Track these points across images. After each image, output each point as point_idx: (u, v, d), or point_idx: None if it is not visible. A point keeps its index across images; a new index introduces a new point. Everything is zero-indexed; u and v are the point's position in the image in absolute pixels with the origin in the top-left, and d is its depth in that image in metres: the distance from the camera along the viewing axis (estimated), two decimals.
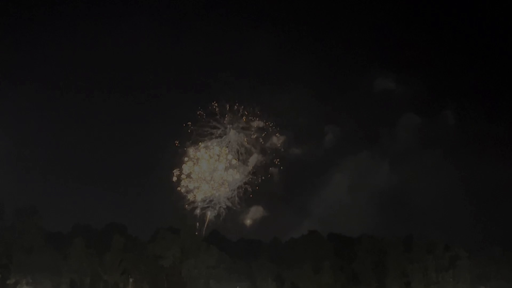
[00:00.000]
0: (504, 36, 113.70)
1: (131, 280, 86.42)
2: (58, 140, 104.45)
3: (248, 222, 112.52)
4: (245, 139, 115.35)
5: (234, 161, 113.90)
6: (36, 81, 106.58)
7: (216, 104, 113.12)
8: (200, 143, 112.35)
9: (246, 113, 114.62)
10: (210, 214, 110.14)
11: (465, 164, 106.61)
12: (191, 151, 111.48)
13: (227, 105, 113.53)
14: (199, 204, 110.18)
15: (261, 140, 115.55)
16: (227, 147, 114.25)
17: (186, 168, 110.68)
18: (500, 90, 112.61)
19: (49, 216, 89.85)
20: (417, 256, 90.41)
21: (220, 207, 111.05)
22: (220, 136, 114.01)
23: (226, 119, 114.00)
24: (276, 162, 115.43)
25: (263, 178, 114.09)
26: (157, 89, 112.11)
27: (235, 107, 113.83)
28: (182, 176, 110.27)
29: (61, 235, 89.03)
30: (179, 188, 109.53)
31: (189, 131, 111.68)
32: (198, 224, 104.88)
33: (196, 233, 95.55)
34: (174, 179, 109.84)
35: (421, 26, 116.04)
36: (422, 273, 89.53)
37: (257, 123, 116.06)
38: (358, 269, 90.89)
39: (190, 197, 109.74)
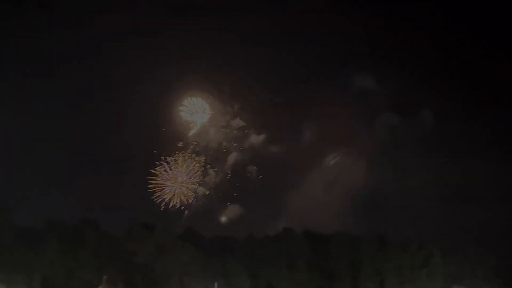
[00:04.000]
0: (484, 36, 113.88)
1: (105, 277, 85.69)
2: (31, 134, 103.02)
3: (224, 219, 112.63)
4: (224, 138, 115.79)
5: (212, 160, 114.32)
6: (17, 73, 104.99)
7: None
8: (178, 142, 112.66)
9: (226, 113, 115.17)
10: (186, 212, 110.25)
11: (441, 164, 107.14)
12: (168, 149, 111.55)
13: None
14: (175, 201, 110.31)
15: (240, 139, 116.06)
16: (206, 145, 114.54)
17: (163, 165, 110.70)
18: (479, 91, 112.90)
19: (20, 212, 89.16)
20: (392, 255, 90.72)
21: (197, 205, 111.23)
22: (199, 135, 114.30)
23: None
24: (254, 161, 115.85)
25: (241, 176, 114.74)
26: (136, 85, 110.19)
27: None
28: (159, 173, 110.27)
29: (33, 231, 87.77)
30: (154, 185, 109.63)
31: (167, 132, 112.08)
32: (173, 221, 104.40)
33: (171, 230, 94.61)
34: (150, 176, 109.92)
35: (401, 24, 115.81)
36: (396, 271, 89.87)
37: (236, 122, 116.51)
38: (333, 267, 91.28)
39: (166, 194, 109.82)
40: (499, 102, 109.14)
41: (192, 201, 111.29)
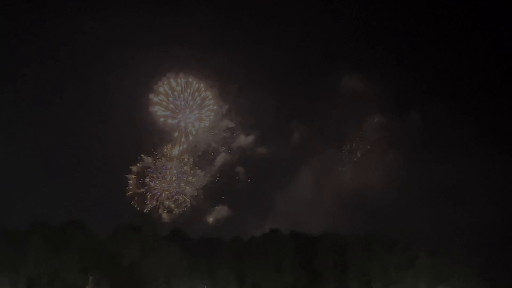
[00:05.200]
0: (473, 38, 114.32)
1: (90, 278, 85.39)
2: (16, 135, 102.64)
3: (211, 220, 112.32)
4: (213, 139, 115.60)
5: (200, 161, 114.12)
6: None
7: None
8: (166, 144, 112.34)
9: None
10: (173, 213, 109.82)
11: (428, 165, 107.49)
12: (156, 148, 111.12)
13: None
14: (163, 202, 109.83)
15: (228, 140, 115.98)
16: (194, 146, 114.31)
17: (150, 165, 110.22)
18: (467, 92, 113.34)
19: (6, 213, 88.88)
20: (378, 255, 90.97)
21: (184, 205, 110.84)
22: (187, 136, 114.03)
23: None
24: (243, 162, 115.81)
25: (229, 177, 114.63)
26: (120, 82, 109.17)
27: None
28: (147, 173, 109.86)
29: (18, 232, 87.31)
30: (141, 186, 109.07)
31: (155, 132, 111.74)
32: (159, 222, 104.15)
33: (157, 232, 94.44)
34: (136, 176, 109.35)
35: (390, 26, 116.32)
36: (382, 272, 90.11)
37: (224, 123, 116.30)
38: (319, 268, 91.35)
39: (152, 195, 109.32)
40: (487, 103, 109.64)
41: (184, 207, 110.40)
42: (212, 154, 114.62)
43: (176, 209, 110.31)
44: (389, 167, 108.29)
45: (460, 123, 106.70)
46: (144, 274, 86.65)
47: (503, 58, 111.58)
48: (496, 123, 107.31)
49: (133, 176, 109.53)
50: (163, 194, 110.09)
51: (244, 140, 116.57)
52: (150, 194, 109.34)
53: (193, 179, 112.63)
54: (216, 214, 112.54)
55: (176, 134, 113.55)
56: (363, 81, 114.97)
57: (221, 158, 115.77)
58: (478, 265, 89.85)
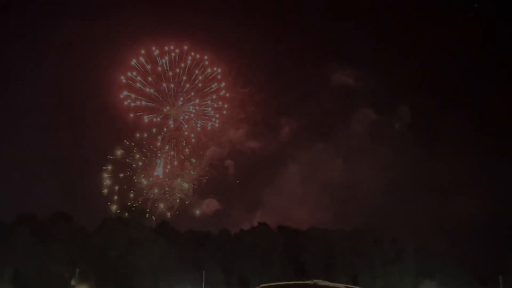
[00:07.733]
0: (463, 36, 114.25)
1: (77, 270, 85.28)
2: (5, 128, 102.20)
3: (199, 213, 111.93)
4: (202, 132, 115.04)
5: (190, 154, 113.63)
6: None
7: None
8: (156, 134, 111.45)
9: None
10: (161, 206, 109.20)
11: (416, 160, 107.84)
12: (146, 141, 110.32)
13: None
14: (151, 195, 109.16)
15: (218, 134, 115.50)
16: (184, 140, 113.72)
17: (139, 158, 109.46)
18: (458, 88, 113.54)
19: None
20: (364, 250, 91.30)
21: (173, 199, 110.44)
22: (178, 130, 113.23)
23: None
24: (232, 155, 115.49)
25: (218, 171, 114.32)
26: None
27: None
28: (134, 165, 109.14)
29: (4, 224, 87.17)
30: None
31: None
32: (147, 215, 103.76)
33: (144, 224, 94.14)
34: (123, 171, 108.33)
35: (381, 22, 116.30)
36: (369, 267, 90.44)
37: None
38: (306, 262, 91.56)
39: (141, 188, 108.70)
40: (476, 99, 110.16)
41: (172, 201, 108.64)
42: (202, 153, 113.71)
43: (165, 203, 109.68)
44: (378, 163, 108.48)
45: (448, 119, 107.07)
46: (131, 267, 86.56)
47: (499, 56, 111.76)
48: (484, 120, 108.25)
49: (110, 168, 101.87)
50: (152, 192, 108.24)
51: (234, 133, 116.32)
52: (135, 188, 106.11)
53: (182, 172, 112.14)
54: (204, 207, 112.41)
55: (158, 141, 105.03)
56: (353, 76, 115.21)
57: (211, 151, 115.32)
58: (464, 260, 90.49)
